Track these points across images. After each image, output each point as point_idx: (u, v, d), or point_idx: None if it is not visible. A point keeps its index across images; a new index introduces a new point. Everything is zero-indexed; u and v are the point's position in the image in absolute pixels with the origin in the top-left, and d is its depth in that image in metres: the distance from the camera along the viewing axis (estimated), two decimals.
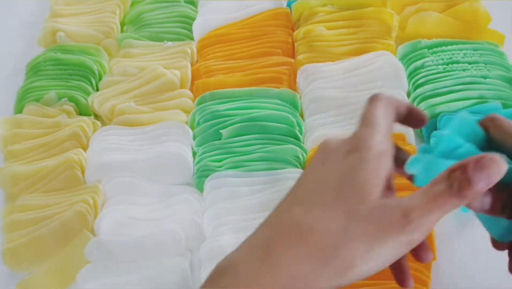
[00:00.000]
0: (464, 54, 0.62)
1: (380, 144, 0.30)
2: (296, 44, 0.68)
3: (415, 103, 0.59)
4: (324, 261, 0.27)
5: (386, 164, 0.29)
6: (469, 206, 0.29)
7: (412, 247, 0.28)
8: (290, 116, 0.59)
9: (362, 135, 0.30)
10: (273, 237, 0.29)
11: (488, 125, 0.32)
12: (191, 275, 0.51)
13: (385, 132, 0.31)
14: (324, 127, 0.59)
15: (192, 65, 0.68)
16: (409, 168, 0.30)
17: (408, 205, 0.27)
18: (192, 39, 0.71)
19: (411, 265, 0.46)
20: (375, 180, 0.29)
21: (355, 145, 0.30)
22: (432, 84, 0.60)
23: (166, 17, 0.74)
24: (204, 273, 0.49)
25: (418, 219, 0.27)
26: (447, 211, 0.27)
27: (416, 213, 0.27)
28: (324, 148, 0.32)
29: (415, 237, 0.27)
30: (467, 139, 0.30)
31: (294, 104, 0.61)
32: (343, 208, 0.28)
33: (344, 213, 0.28)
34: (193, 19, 0.72)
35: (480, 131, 0.31)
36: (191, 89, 0.66)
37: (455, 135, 0.30)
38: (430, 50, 0.63)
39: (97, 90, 0.67)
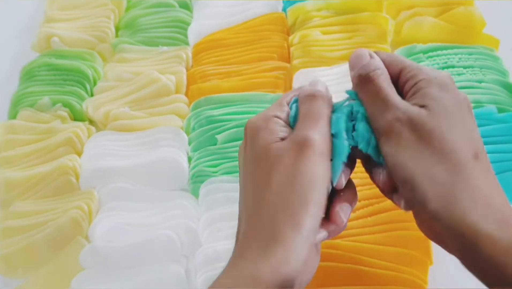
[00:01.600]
0: (460, 58, 0.62)
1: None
2: (291, 49, 0.67)
3: None
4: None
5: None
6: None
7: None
8: None
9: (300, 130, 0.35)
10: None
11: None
12: (187, 281, 0.50)
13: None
14: None
15: (187, 70, 0.68)
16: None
17: (299, 135, 0.34)
18: (187, 44, 0.71)
19: (407, 270, 0.46)
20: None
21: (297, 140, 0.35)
22: None
23: (161, 22, 0.73)
24: (200, 279, 0.49)
25: (313, 138, 0.34)
26: (323, 108, 0.38)
27: (309, 134, 0.34)
28: (251, 134, 0.37)
29: (321, 150, 0.34)
30: None
31: None
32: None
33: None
34: (188, 24, 0.72)
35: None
36: (186, 94, 0.65)
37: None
38: (426, 55, 0.63)
39: (92, 95, 0.67)
